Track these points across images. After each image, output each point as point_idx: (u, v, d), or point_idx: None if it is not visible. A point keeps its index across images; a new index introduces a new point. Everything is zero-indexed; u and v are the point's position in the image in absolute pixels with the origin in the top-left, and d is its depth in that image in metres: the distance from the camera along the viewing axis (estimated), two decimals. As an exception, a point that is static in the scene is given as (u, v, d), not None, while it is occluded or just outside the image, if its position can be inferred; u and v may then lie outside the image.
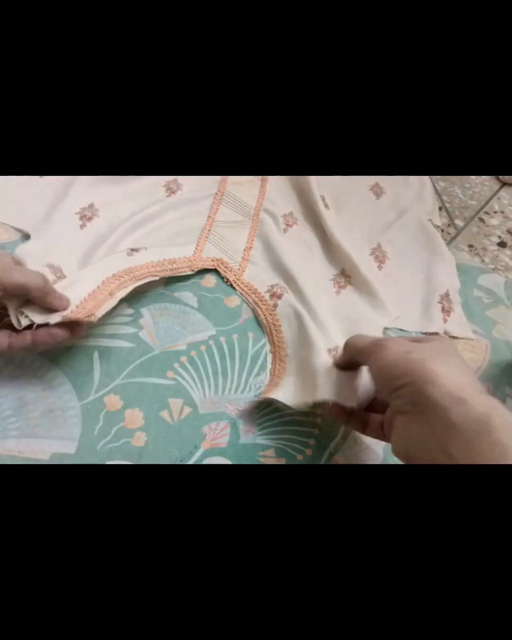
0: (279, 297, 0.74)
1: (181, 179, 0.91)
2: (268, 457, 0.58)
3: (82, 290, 0.60)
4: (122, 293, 0.64)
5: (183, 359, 0.66)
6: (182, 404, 0.62)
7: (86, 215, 0.79)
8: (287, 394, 0.60)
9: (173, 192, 0.88)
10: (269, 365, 0.68)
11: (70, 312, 0.56)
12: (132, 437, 0.57)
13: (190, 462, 0.57)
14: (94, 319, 0.58)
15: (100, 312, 0.59)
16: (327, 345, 0.68)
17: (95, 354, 0.64)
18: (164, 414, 0.60)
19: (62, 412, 0.57)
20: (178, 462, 0.56)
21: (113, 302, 0.62)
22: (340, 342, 0.71)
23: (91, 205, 0.81)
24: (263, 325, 0.72)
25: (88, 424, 0.57)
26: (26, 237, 0.73)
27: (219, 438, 0.59)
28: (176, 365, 0.65)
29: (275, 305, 0.73)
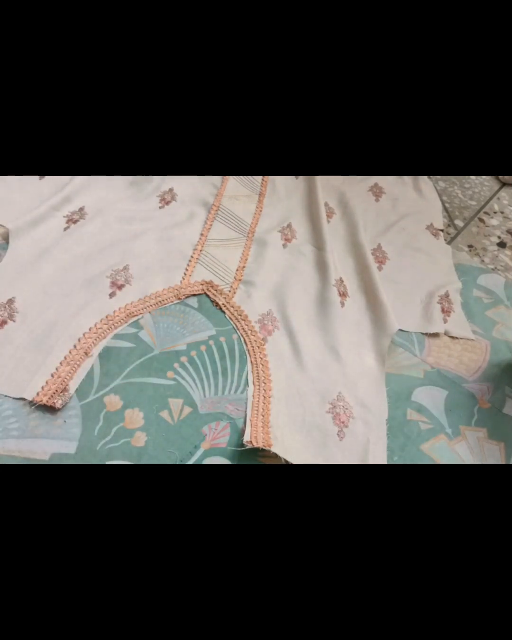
0: (270, 332, 0.72)
1: (177, 188, 0.90)
2: (268, 457, 0.58)
3: (56, 357, 0.61)
4: (99, 348, 0.64)
5: (183, 359, 0.66)
6: (182, 404, 0.62)
7: (73, 219, 0.79)
8: (292, 454, 0.57)
9: (167, 203, 0.88)
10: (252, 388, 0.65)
11: (42, 389, 0.57)
12: (132, 437, 0.57)
13: (190, 462, 0.57)
14: (68, 395, 0.58)
15: (75, 382, 0.60)
16: (322, 396, 0.66)
17: (95, 354, 0.64)
18: (164, 414, 0.60)
19: (62, 412, 0.57)
20: (178, 462, 0.56)
21: (89, 363, 0.62)
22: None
23: (81, 209, 0.80)
24: (249, 354, 0.68)
25: (88, 424, 0.57)
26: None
27: (219, 438, 0.59)
28: (176, 365, 0.65)
29: (264, 340, 0.70)
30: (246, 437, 0.57)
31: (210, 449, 0.58)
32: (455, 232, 1.03)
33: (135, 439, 0.57)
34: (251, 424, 0.59)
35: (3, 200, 0.78)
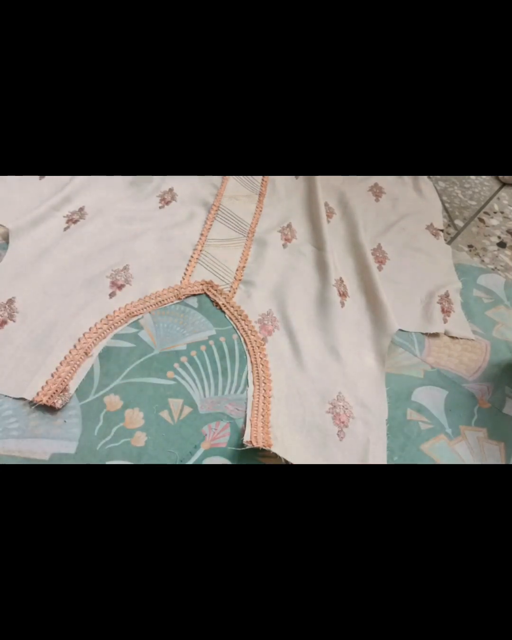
0: (270, 332, 0.71)
1: (177, 188, 0.90)
2: (268, 457, 0.58)
3: (56, 357, 0.61)
4: (99, 348, 0.64)
5: (183, 359, 0.66)
6: (182, 404, 0.62)
7: (73, 219, 0.79)
8: (292, 454, 0.57)
9: (167, 203, 0.88)
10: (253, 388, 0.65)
11: (42, 389, 0.57)
12: (132, 437, 0.57)
13: (190, 462, 0.57)
14: (68, 395, 0.59)
15: (75, 382, 0.60)
16: (322, 396, 0.66)
17: (95, 354, 0.64)
18: (164, 414, 0.60)
19: (62, 412, 0.57)
20: (178, 462, 0.56)
21: (89, 363, 0.62)
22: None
23: (81, 209, 0.80)
24: (249, 354, 0.68)
25: (88, 424, 0.57)
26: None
27: (219, 438, 0.59)
28: (176, 365, 0.65)
29: (264, 340, 0.70)
30: (246, 437, 0.57)
31: (210, 449, 0.58)
32: (455, 232, 1.03)
33: (135, 439, 0.57)
34: (251, 424, 0.59)
35: (3, 200, 0.78)
